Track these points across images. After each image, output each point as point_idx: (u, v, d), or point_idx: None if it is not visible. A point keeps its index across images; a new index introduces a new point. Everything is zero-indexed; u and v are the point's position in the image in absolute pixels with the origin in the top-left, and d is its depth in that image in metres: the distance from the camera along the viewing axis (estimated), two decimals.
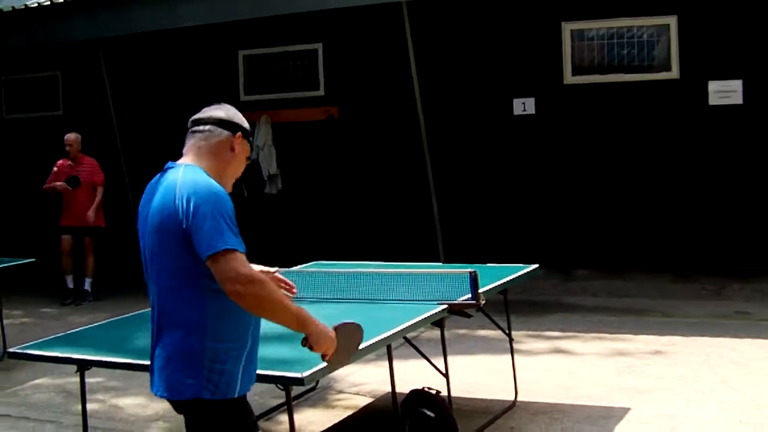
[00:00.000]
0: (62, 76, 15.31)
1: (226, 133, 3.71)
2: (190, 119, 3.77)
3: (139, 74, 14.44)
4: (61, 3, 13.03)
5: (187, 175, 3.53)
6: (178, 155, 3.71)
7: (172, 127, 14.58)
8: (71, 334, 5.62)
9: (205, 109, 3.79)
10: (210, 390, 3.48)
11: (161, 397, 3.63)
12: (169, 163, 3.68)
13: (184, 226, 3.43)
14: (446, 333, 5.81)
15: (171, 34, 13.23)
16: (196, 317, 3.49)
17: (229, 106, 3.81)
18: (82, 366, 4.90)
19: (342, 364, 3.89)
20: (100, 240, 12.52)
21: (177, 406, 3.65)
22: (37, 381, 8.10)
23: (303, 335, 3.53)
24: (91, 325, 5.97)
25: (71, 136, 12.11)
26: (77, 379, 5.09)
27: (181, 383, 3.51)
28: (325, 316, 3.73)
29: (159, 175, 3.68)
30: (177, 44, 13.92)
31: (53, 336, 5.53)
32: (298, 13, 12.02)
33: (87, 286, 12.29)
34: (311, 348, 3.57)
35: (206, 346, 3.48)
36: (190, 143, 3.73)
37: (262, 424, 6.30)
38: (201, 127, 3.72)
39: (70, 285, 12.24)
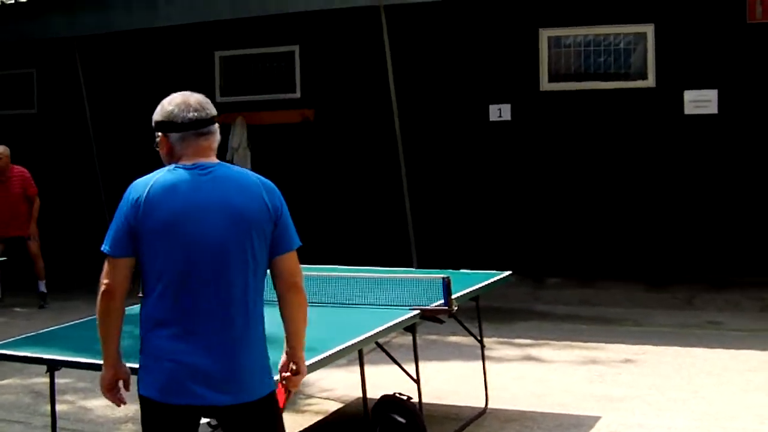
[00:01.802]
0: (37, 73, 15.20)
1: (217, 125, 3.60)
2: (195, 118, 3.48)
3: (114, 73, 14.35)
4: (37, 0, 12.94)
5: (254, 174, 3.55)
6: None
7: (147, 128, 14.58)
8: (41, 334, 5.59)
9: (195, 102, 3.51)
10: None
11: (240, 403, 3.43)
12: (203, 162, 3.46)
13: (273, 223, 3.49)
14: (418, 339, 5.80)
15: (148, 34, 13.17)
16: (260, 312, 3.55)
17: (199, 95, 3.57)
18: (52, 366, 4.85)
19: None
20: (80, 241, 12.35)
21: (245, 409, 3.45)
22: (5, 381, 8.02)
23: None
24: (61, 326, 5.92)
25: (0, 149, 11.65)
26: (46, 379, 5.04)
27: (265, 379, 3.53)
28: None
29: (194, 172, 3.43)
30: (153, 44, 13.85)
31: (23, 336, 5.48)
32: (276, 14, 11.99)
33: (43, 288, 12.03)
34: (294, 372, 3.64)
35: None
36: (206, 144, 3.51)
37: None
38: (211, 128, 3.53)
39: None
